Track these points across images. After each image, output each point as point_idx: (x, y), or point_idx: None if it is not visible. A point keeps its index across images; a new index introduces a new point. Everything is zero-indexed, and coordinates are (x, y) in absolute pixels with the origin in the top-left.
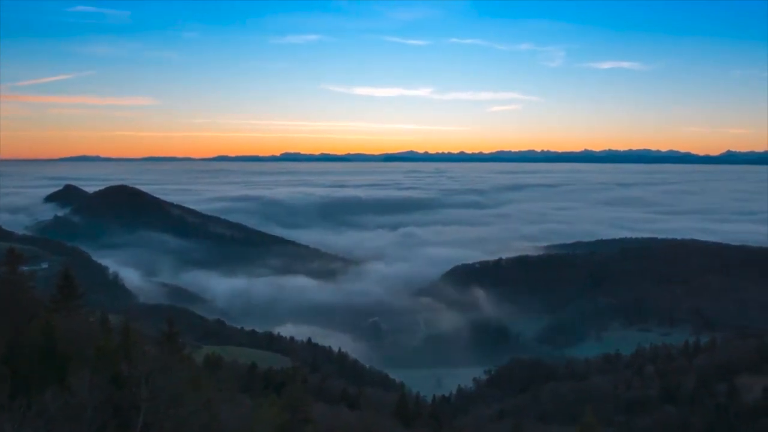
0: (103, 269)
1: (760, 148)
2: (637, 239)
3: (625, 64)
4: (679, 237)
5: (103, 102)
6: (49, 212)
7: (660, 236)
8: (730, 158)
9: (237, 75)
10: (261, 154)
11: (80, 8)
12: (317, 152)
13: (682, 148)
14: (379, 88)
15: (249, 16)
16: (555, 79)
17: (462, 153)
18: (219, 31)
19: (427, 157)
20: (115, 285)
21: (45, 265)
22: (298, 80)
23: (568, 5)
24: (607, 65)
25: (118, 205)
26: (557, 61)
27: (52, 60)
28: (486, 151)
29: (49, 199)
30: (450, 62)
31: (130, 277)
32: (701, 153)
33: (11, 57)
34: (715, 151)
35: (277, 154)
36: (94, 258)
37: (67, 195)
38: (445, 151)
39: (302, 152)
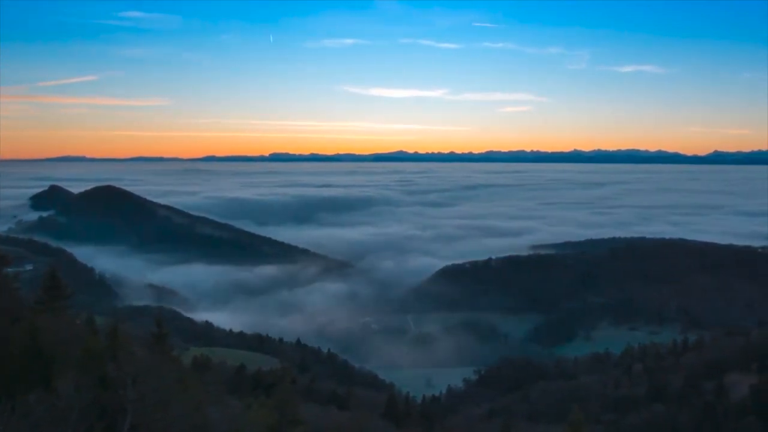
0: (88, 270)
1: (747, 148)
2: (625, 239)
3: (647, 68)
4: (667, 237)
5: (105, 102)
6: (33, 213)
7: (648, 236)
8: (717, 158)
9: (255, 77)
10: (249, 154)
11: (132, 13)
12: (306, 152)
13: (671, 148)
14: (393, 89)
15: (287, 16)
16: (571, 81)
17: (452, 153)
18: (256, 33)
19: (416, 157)
20: (101, 286)
21: (30, 267)
22: (316, 82)
23: (597, 10)
24: (627, 68)
25: (104, 205)
26: (582, 64)
27: (81, 62)
28: (476, 152)
29: (34, 199)
30: (473, 64)
31: (117, 278)
32: (689, 153)
33: (46, 59)
34: (702, 152)
35: (266, 154)
36: (80, 259)
37: (52, 195)
38: (435, 151)
39: (291, 152)
